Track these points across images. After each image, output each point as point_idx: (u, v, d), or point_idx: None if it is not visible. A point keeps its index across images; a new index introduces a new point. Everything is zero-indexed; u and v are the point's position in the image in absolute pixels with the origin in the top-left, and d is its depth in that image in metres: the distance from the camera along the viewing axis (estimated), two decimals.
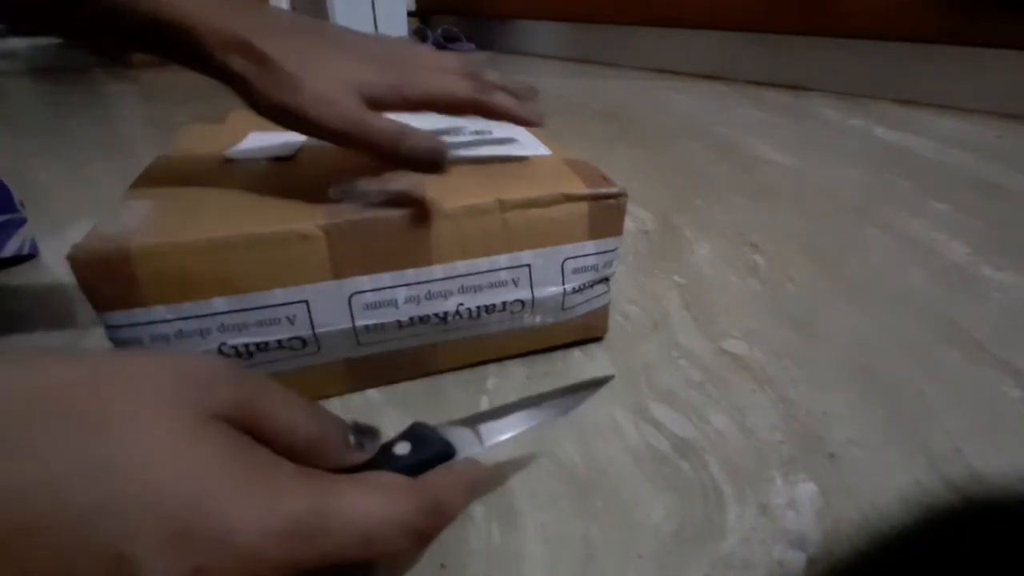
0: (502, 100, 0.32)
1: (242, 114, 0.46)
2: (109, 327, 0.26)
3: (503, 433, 0.23)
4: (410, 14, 2.22)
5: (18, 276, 0.47)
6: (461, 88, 0.30)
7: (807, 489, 0.27)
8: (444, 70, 0.31)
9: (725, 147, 0.83)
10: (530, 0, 1.92)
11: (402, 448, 0.20)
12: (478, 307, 0.31)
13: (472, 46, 2.23)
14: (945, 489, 0.27)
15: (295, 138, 0.31)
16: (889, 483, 0.27)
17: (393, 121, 0.28)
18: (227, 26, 0.25)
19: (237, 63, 0.25)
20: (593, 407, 0.32)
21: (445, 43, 2.20)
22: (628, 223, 0.33)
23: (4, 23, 0.27)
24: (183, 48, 0.26)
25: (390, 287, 0.29)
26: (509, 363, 0.35)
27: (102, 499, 0.13)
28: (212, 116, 0.45)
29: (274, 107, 0.26)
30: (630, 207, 0.33)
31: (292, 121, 0.27)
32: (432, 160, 0.27)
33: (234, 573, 0.13)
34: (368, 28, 1.99)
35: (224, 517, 0.14)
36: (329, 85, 0.26)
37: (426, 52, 0.32)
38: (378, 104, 0.28)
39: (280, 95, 0.26)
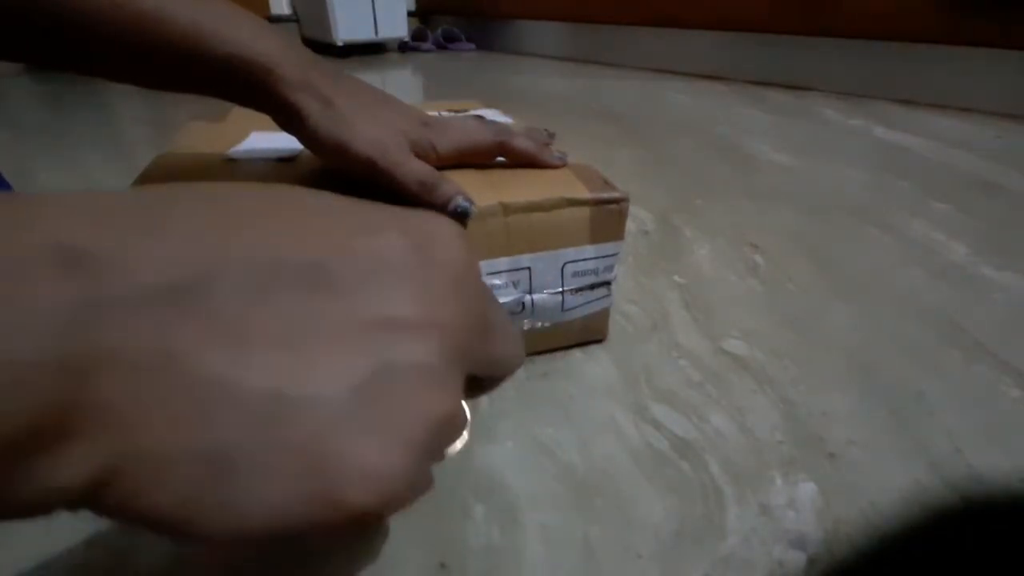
0: (523, 144, 0.35)
1: (243, 113, 0.46)
2: None
3: None
4: (410, 14, 2.22)
5: None
6: (485, 136, 0.34)
7: (807, 489, 0.27)
8: (469, 127, 0.35)
9: (725, 147, 0.83)
10: (530, 0, 1.92)
11: None
12: None
13: (472, 46, 2.23)
14: (945, 489, 0.27)
15: (297, 140, 0.31)
16: (889, 483, 0.27)
17: (429, 168, 0.31)
18: (303, 71, 0.29)
19: (307, 101, 0.29)
20: (593, 407, 0.32)
21: (445, 43, 2.21)
22: (628, 223, 0.33)
23: (77, 72, 0.29)
24: (255, 85, 0.28)
25: None
26: None
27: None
28: (212, 115, 0.45)
29: (329, 139, 0.29)
30: (630, 207, 0.33)
31: (341, 154, 0.30)
32: (456, 211, 0.29)
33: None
34: (368, 28, 1.99)
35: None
36: (378, 130, 0.30)
37: (456, 117, 0.40)
38: (416, 154, 0.32)
39: (338, 130, 0.29)
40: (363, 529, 0.13)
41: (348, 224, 0.14)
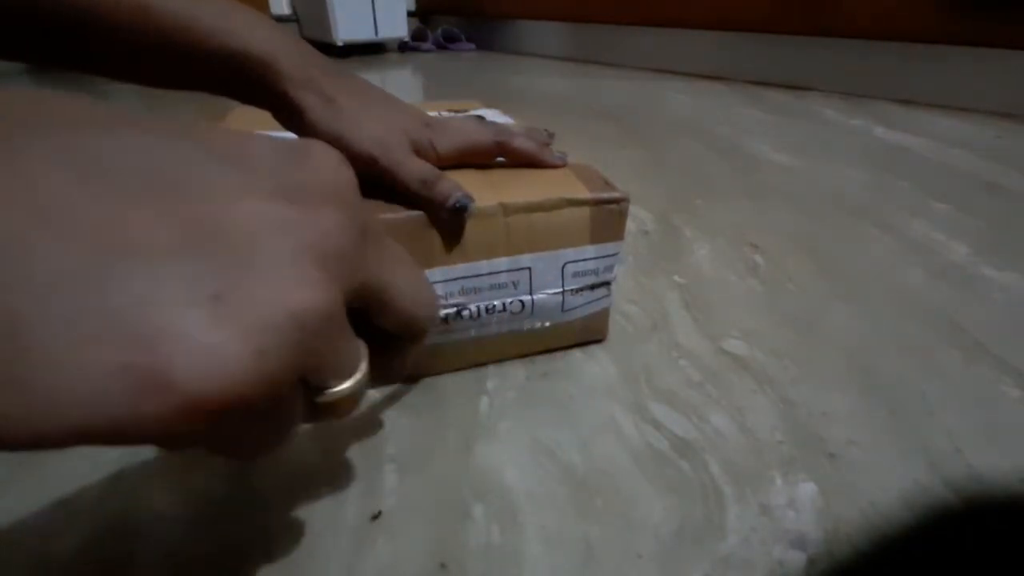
0: (523, 144, 0.35)
1: (243, 113, 0.46)
2: None
3: None
4: (410, 14, 2.22)
5: None
6: (485, 137, 0.34)
7: (807, 489, 0.27)
8: (469, 127, 0.35)
9: (725, 147, 0.83)
10: (530, 0, 1.92)
11: None
12: (478, 308, 0.31)
13: (472, 46, 2.23)
14: (945, 489, 0.27)
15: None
16: (889, 483, 0.27)
17: (430, 166, 0.30)
18: (304, 66, 0.29)
19: (308, 97, 0.29)
20: (593, 407, 0.32)
21: (445, 43, 2.21)
22: (628, 223, 0.33)
23: (77, 70, 0.28)
24: (255, 80, 0.28)
25: None
26: (509, 364, 0.35)
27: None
28: (212, 115, 0.45)
29: (329, 136, 0.29)
30: (630, 207, 0.33)
31: (340, 150, 0.29)
32: (455, 207, 0.29)
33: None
34: (368, 28, 1.99)
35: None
36: (380, 128, 0.30)
37: (456, 117, 0.39)
38: (416, 153, 0.32)
39: (339, 127, 0.29)
40: (204, 430, 0.11)
41: (217, 130, 0.14)
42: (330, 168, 0.15)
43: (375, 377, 0.18)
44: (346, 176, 0.15)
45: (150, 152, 0.12)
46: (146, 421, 0.10)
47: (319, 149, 0.15)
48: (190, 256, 0.11)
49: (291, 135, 0.13)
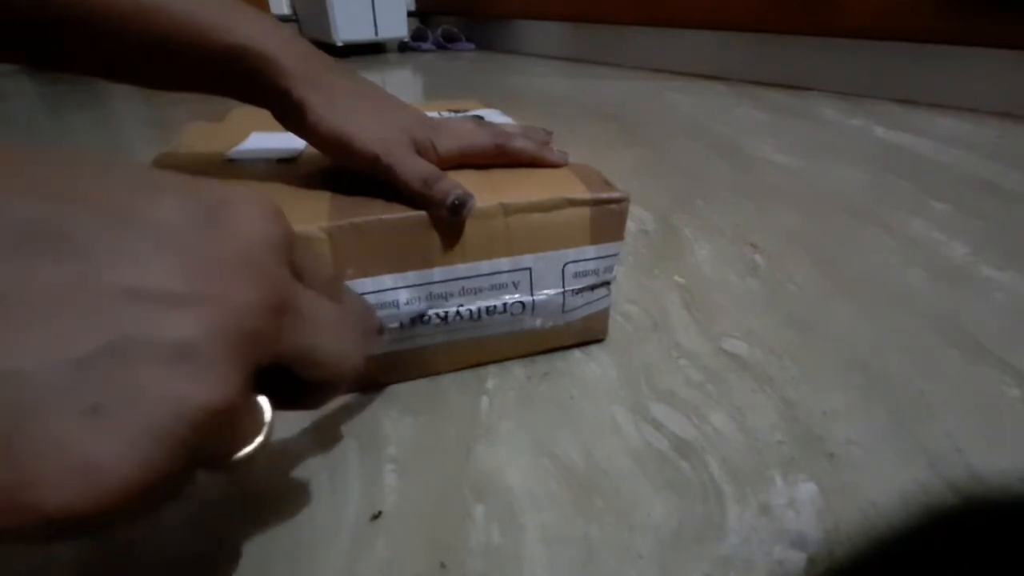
0: (523, 144, 0.35)
1: (243, 113, 0.46)
2: None
3: None
4: (410, 14, 2.22)
5: None
6: (485, 139, 0.34)
7: (807, 489, 0.27)
8: (470, 129, 0.35)
9: (725, 147, 0.83)
10: (530, 0, 1.92)
11: None
12: (478, 309, 0.31)
13: (472, 46, 2.23)
14: (945, 489, 0.27)
15: (298, 140, 0.31)
16: (889, 483, 0.27)
17: (432, 165, 0.30)
18: (305, 63, 0.28)
19: (311, 95, 0.28)
20: (593, 407, 0.32)
21: (445, 43, 2.21)
22: (628, 223, 0.33)
23: (75, 72, 0.28)
24: (254, 76, 0.28)
25: (391, 288, 0.29)
26: (509, 363, 0.35)
27: None
28: (212, 115, 0.45)
29: (331, 134, 0.29)
30: (630, 207, 0.33)
31: (345, 150, 0.29)
32: (455, 204, 0.28)
33: None
34: (368, 28, 1.99)
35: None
36: (382, 127, 0.30)
37: (456, 118, 0.39)
38: (418, 153, 0.31)
39: (341, 125, 0.29)
40: (80, 533, 0.10)
41: (119, 182, 0.12)
42: (251, 232, 0.13)
43: (294, 408, 0.17)
44: (271, 236, 0.14)
45: (18, 217, 0.10)
46: (8, 536, 0.10)
47: (243, 209, 0.13)
48: (69, 361, 0.10)
49: (213, 194, 0.12)
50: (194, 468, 0.13)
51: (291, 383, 0.16)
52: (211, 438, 0.12)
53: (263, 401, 0.15)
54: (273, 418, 0.15)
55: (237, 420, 0.13)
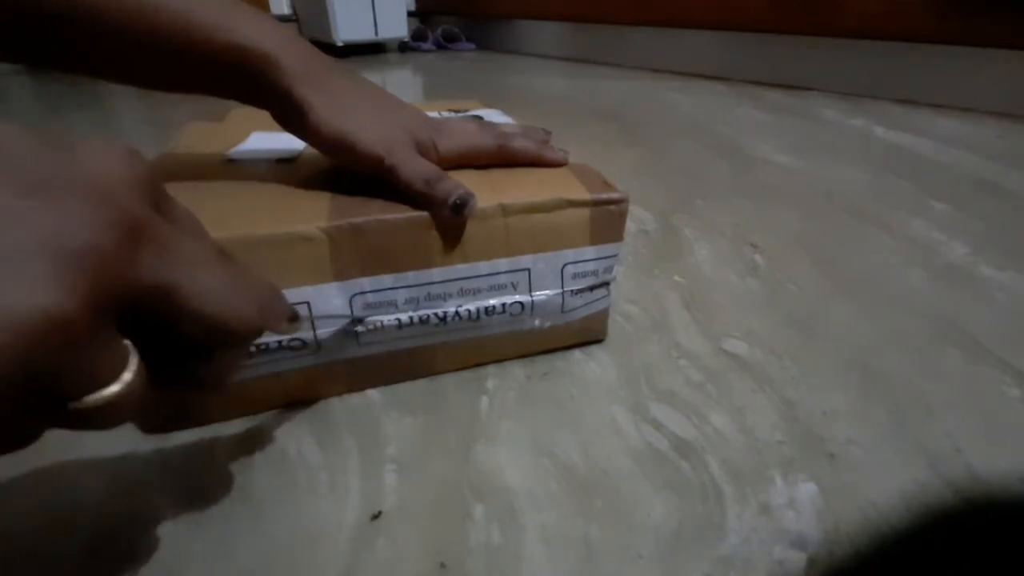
0: (523, 144, 0.35)
1: (242, 113, 0.46)
2: None
3: None
4: (410, 14, 2.22)
5: None
6: (486, 140, 0.34)
7: (807, 489, 0.27)
8: (470, 129, 0.34)
9: (725, 147, 0.83)
10: (530, 0, 1.92)
11: None
12: (477, 309, 0.31)
13: (472, 46, 2.23)
14: (945, 489, 0.27)
15: (298, 140, 0.31)
16: (889, 483, 0.27)
17: (433, 166, 0.30)
18: (305, 63, 0.28)
19: (312, 95, 0.28)
20: (593, 407, 0.32)
21: (445, 43, 2.21)
22: (628, 223, 0.33)
23: (76, 72, 0.28)
24: (254, 76, 0.28)
25: (391, 288, 0.29)
26: (509, 363, 0.35)
27: None
28: (212, 115, 0.45)
29: (333, 135, 0.29)
30: (630, 207, 0.33)
31: (347, 150, 0.29)
32: (456, 204, 0.28)
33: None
34: (368, 28, 1.99)
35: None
36: (384, 128, 0.30)
37: (456, 118, 0.39)
38: (419, 153, 0.31)
39: (343, 125, 0.29)
40: None
41: None
42: (100, 161, 0.13)
43: (180, 384, 0.17)
44: (126, 172, 0.14)
45: None
46: None
47: (97, 144, 0.14)
48: None
49: (70, 136, 0.12)
50: (34, 403, 0.12)
51: (175, 346, 0.15)
52: (49, 360, 0.11)
53: (128, 345, 0.14)
54: (140, 367, 0.14)
55: (82, 347, 0.12)
